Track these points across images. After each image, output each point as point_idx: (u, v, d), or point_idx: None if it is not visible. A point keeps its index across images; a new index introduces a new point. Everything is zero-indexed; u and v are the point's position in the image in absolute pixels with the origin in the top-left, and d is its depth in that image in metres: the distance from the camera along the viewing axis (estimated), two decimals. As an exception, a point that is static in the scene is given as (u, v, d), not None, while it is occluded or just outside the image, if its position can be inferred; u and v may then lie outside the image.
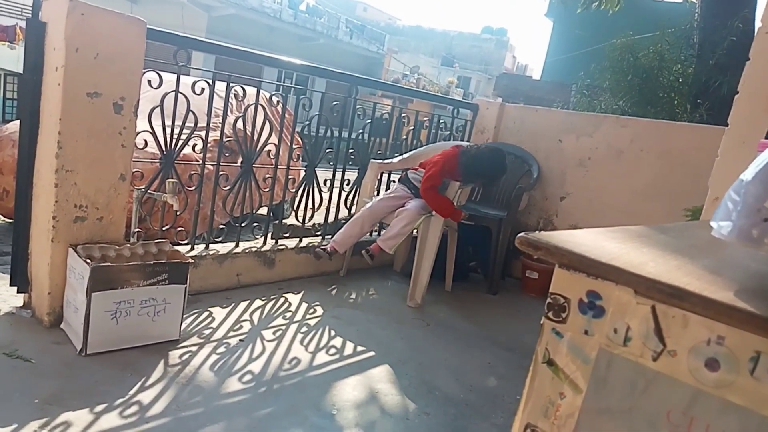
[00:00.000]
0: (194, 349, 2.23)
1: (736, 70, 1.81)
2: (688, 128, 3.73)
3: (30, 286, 2.27)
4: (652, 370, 0.54)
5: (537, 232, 0.61)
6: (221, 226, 3.16)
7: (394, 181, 3.96)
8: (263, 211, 3.46)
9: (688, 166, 3.36)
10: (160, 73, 2.44)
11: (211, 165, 3.12)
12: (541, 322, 0.61)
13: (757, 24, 1.72)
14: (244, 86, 2.92)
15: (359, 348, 2.53)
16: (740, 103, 1.73)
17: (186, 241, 2.81)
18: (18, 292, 2.30)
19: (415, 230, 3.22)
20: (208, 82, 2.66)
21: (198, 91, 2.61)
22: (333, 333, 2.63)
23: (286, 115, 4.07)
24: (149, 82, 2.39)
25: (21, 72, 2.11)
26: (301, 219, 3.39)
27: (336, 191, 3.51)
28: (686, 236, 0.80)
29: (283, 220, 3.57)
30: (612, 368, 0.57)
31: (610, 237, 0.67)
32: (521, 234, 0.60)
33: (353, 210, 3.61)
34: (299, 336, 2.54)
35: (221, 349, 2.27)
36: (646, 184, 3.55)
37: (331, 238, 3.55)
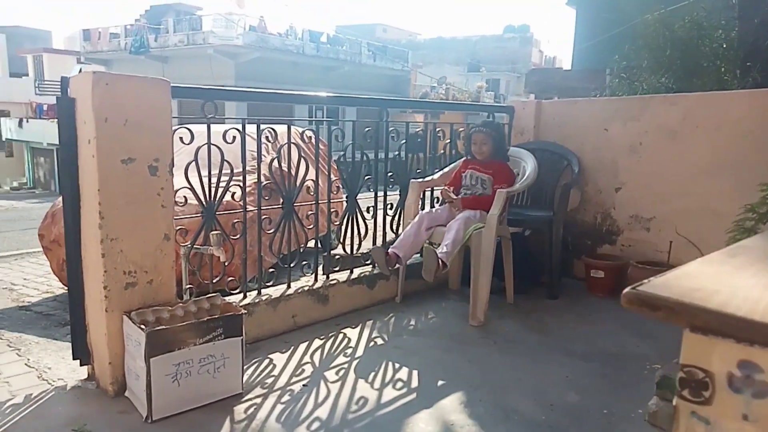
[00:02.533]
0: (258, 401, 2.17)
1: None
2: (743, 95, 3.47)
3: (91, 357, 2.28)
4: None
5: (645, 281, 0.46)
6: (271, 269, 3.12)
7: (437, 198, 3.85)
8: (311, 243, 3.41)
9: (751, 136, 3.11)
10: (191, 127, 2.45)
11: (253, 209, 3.10)
12: (674, 403, 0.45)
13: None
14: (275, 127, 2.90)
15: (426, 378, 2.42)
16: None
17: (238, 290, 2.78)
18: (81, 364, 2.31)
19: (468, 244, 3.08)
20: (238, 129, 2.65)
21: (229, 139, 2.60)
22: (397, 365, 2.53)
23: (321, 147, 4.04)
24: (181, 138, 2.39)
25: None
26: (348, 249, 3.32)
27: (381, 216, 3.43)
28: None
29: (332, 252, 3.51)
30: None
31: (737, 267, 0.50)
32: (627, 290, 0.45)
33: (400, 232, 3.51)
34: (363, 373, 2.45)
35: (286, 398, 2.20)
36: (707, 162, 3.30)
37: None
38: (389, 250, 3.10)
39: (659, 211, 3.53)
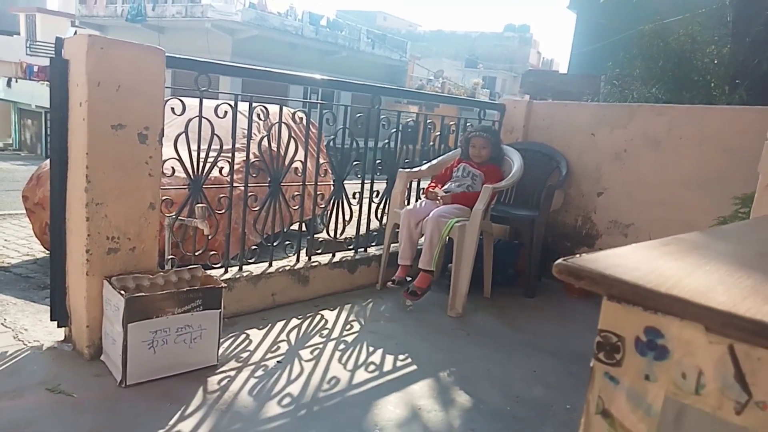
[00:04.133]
0: (232, 374, 2.21)
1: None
2: (729, 111, 3.55)
3: (69, 319, 2.30)
4: (735, 425, 0.43)
5: (577, 256, 0.51)
6: (254, 247, 3.15)
7: (423, 188, 3.90)
8: (295, 227, 3.44)
9: (732, 151, 3.18)
10: (183, 99, 2.46)
11: (239, 184, 3.12)
12: (591, 364, 0.51)
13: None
14: (267, 105, 2.91)
15: (399, 363, 2.47)
16: (787, 81, 1.61)
17: (219, 264, 2.81)
18: (58, 326, 2.33)
19: (448, 237, 3.14)
20: (230, 105, 2.66)
21: (221, 114, 2.61)
22: (371, 349, 2.58)
23: (312, 130, 4.05)
24: (172, 109, 2.40)
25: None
26: (332, 233, 3.36)
27: (366, 203, 3.47)
28: (751, 242, 0.68)
29: (315, 235, 3.54)
30: (683, 422, 0.47)
31: (664, 252, 0.57)
32: (559, 261, 0.50)
33: (384, 220, 3.56)
34: (337, 354, 2.49)
35: (259, 373, 2.24)
36: (689, 174, 3.38)
37: (364, 251, 3.51)
38: (399, 263, 3.21)
39: (638, 219, 3.61)
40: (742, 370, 0.44)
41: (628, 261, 0.53)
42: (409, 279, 3.21)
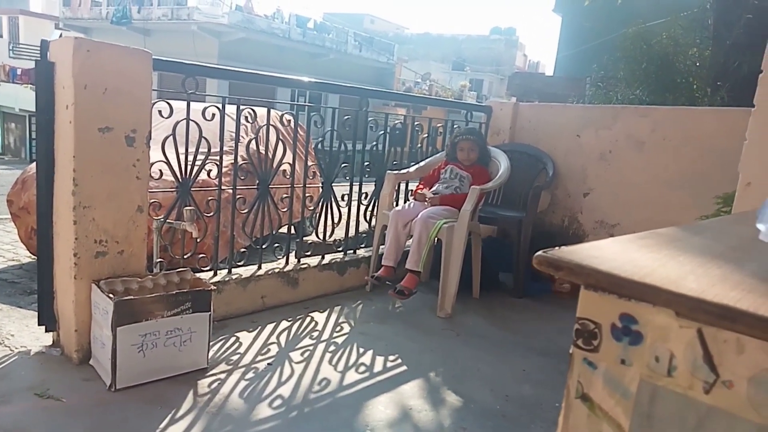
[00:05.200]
0: (223, 376, 2.21)
1: (756, 49, 1.73)
2: (711, 112, 3.62)
3: (57, 324, 2.28)
4: (704, 404, 0.47)
5: (557, 248, 0.54)
6: (243, 250, 3.15)
7: (411, 191, 3.92)
8: (284, 230, 3.45)
9: (714, 151, 3.24)
10: (171, 102, 2.45)
11: (227, 187, 3.12)
12: (570, 351, 0.54)
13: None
14: (255, 108, 2.92)
15: (389, 363, 2.48)
16: (766, 81, 1.65)
17: (208, 267, 2.80)
18: (46, 331, 2.31)
19: (437, 239, 3.16)
20: (218, 107, 2.66)
21: (209, 116, 2.61)
22: (361, 350, 2.59)
23: (300, 132, 4.06)
24: (160, 112, 2.40)
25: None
26: (321, 235, 3.36)
27: (354, 205, 3.48)
28: (725, 236, 0.72)
29: (304, 238, 3.55)
30: (656, 402, 0.50)
31: (641, 245, 0.59)
32: (539, 253, 0.53)
33: (373, 222, 3.57)
34: (327, 355, 2.50)
35: (250, 375, 2.24)
36: (672, 174, 3.44)
37: (353, 252, 3.52)
38: (383, 264, 3.20)
39: (623, 219, 3.66)
40: (710, 352, 0.46)
41: (605, 252, 0.56)
42: (388, 283, 3.19)
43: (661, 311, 0.48)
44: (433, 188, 3.41)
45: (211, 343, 2.29)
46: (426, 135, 3.91)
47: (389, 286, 3.15)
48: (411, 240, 3.17)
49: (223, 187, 2.78)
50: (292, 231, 3.27)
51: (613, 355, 0.52)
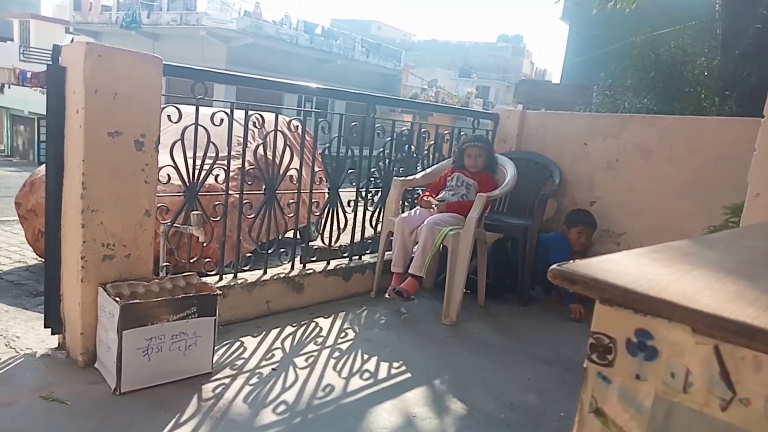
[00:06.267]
0: (227, 381, 2.21)
1: (765, 58, 1.73)
2: (719, 122, 3.61)
3: (63, 326, 2.29)
4: (721, 421, 0.46)
5: (571, 262, 0.54)
6: (248, 254, 3.15)
7: (418, 193, 3.92)
8: (290, 234, 3.45)
9: (722, 161, 3.23)
10: (179, 106, 2.47)
11: (234, 192, 3.13)
12: (584, 365, 0.53)
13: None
14: (263, 113, 2.93)
15: (393, 370, 2.47)
16: (775, 92, 1.64)
17: (214, 272, 2.81)
18: (52, 333, 2.32)
19: (442, 246, 3.16)
20: (226, 113, 2.67)
21: (217, 122, 2.62)
22: (366, 356, 2.58)
23: (307, 138, 4.07)
24: (168, 117, 2.41)
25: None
26: (327, 241, 3.37)
27: (360, 211, 3.48)
28: (737, 250, 0.71)
29: (310, 243, 3.55)
30: (672, 419, 0.49)
31: (654, 259, 0.59)
32: (553, 266, 0.53)
33: (378, 228, 3.57)
34: (332, 362, 2.50)
35: (254, 380, 2.24)
36: (680, 183, 3.42)
37: (359, 258, 3.52)
38: (393, 271, 3.21)
39: (630, 228, 3.65)
40: (726, 369, 0.46)
41: (619, 266, 0.55)
42: (405, 296, 3.18)
43: (676, 327, 0.48)
44: (440, 195, 3.42)
45: (215, 348, 2.29)
46: (433, 142, 3.91)
47: (386, 290, 3.17)
48: (416, 246, 3.17)
49: (230, 192, 2.79)
50: (298, 236, 3.27)
51: (628, 370, 0.51)
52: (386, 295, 3.22)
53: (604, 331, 0.52)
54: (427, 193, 3.50)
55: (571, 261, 0.54)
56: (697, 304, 0.47)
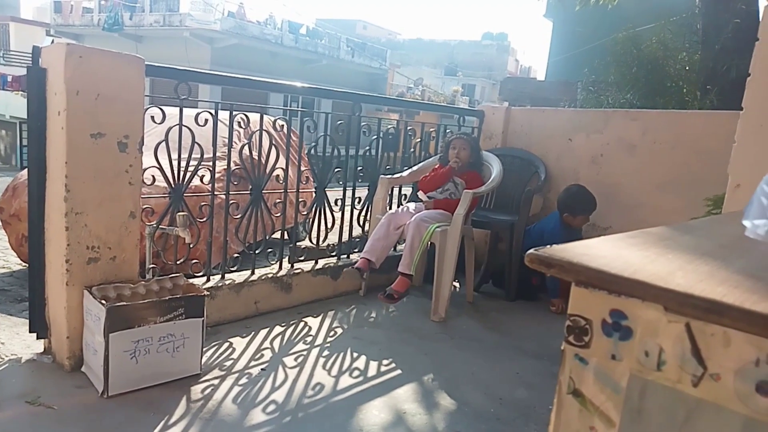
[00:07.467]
0: (216, 382, 2.20)
1: (744, 53, 1.76)
2: (701, 115, 3.65)
3: (49, 331, 2.26)
4: (693, 397, 0.47)
5: (548, 246, 0.55)
6: (236, 255, 3.14)
7: (405, 195, 3.93)
8: (277, 235, 3.44)
9: (704, 154, 3.27)
10: (163, 107, 2.45)
11: (220, 193, 3.11)
12: (562, 347, 0.55)
13: (762, 2, 1.68)
14: (248, 113, 2.92)
15: (383, 368, 2.48)
16: (753, 85, 1.67)
17: (201, 273, 2.79)
18: (38, 338, 2.29)
19: (430, 242, 3.17)
20: (211, 113, 2.66)
21: (201, 122, 2.61)
22: (355, 354, 2.59)
23: (293, 138, 4.06)
24: (152, 118, 2.39)
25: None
26: (315, 240, 3.36)
27: (348, 210, 3.48)
28: (714, 235, 0.73)
29: (298, 243, 3.54)
30: (646, 397, 0.50)
31: (630, 244, 0.60)
32: (531, 251, 0.54)
33: (366, 227, 3.57)
34: (321, 360, 2.50)
35: (243, 380, 2.24)
36: (663, 177, 3.46)
37: (347, 257, 3.52)
38: (362, 256, 3.17)
39: (615, 222, 3.69)
40: (698, 346, 0.47)
41: (595, 250, 0.56)
42: (364, 276, 3.19)
43: (650, 306, 0.49)
44: (428, 194, 3.42)
45: (204, 349, 2.28)
46: (419, 140, 3.92)
47: (380, 288, 3.16)
48: (404, 244, 3.17)
49: (216, 193, 2.78)
50: (286, 236, 3.26)
51: (604, 350, 0.53)
52: (352, 267, 3.20)
53: (581, 313, 0.53)
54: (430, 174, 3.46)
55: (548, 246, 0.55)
56: (669, 283, 0.48)
